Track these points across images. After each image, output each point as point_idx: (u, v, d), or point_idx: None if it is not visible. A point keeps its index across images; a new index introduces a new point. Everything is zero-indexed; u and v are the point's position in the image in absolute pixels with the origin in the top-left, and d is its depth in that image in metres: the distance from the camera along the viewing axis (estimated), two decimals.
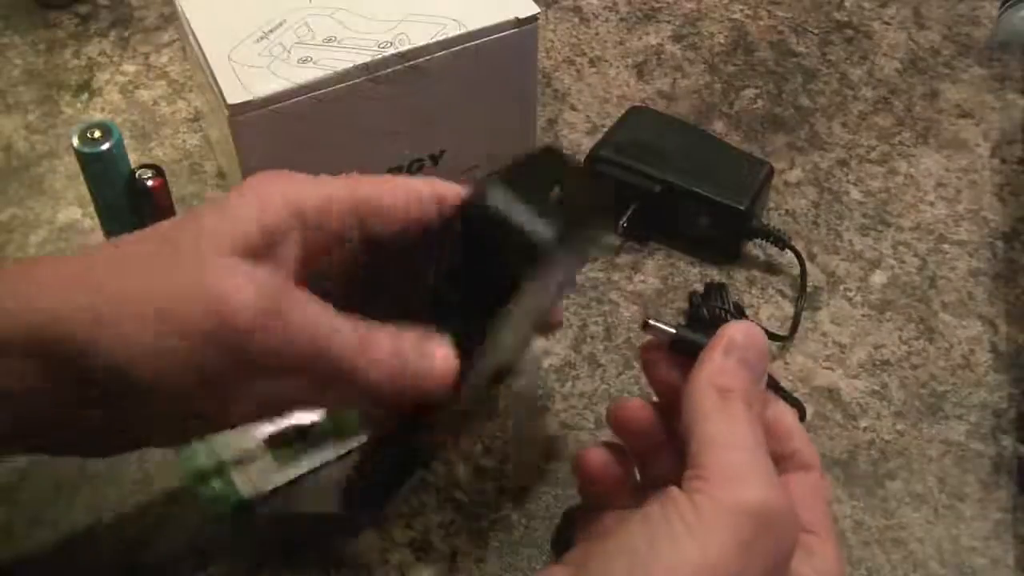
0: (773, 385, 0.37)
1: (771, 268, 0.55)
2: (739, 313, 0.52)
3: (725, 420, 0.34)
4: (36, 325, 0.33)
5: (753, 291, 0.54)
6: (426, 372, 0.37)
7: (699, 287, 0.53)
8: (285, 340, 0.34)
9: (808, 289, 0.53)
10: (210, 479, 0.45)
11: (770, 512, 0.32)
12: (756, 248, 0.55)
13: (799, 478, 0.37)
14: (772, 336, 0.51)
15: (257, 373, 0.35)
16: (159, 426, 0.36)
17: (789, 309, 0.53)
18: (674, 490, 0.33)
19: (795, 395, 0.38)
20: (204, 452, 0.46)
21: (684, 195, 0.54)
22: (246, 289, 0.34)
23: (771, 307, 0.53)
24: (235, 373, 0.35)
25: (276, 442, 0.46)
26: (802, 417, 0.38)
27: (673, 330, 0.38)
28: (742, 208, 0.53)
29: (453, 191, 0.39)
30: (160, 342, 0.33)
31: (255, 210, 0.36)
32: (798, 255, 0.53)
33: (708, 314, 0.51)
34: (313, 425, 0.47)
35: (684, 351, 0.37)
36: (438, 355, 0.37)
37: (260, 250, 0.36)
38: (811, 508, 0.36)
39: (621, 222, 0.54)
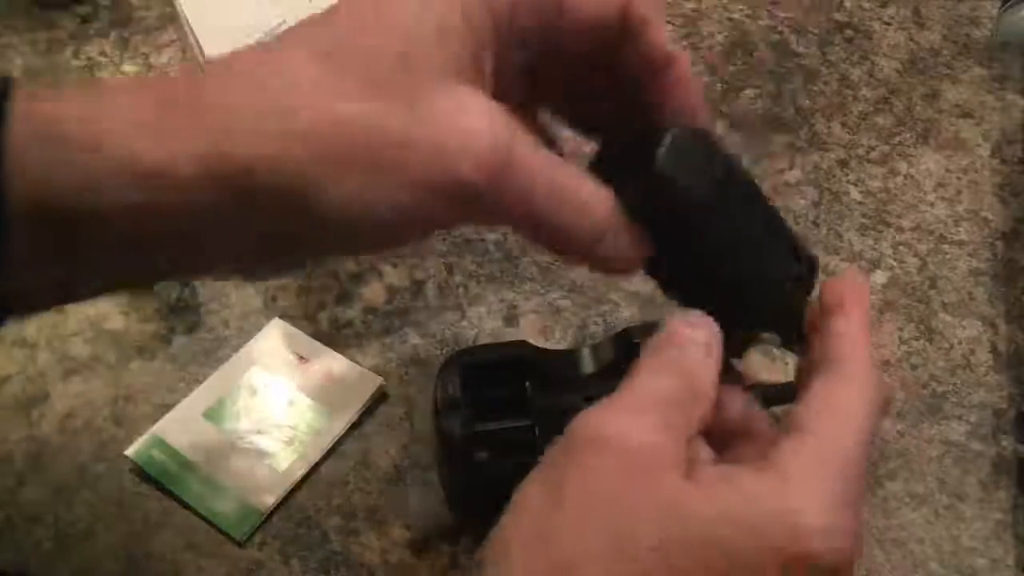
0: None
1: None
2: None
3: None
4: (233, 173, 0.27)
5: None
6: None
7: None
8: (511, 200, 0.29)
9: None
10: (221, 505, 0.45)
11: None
12: None
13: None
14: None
15: (467, 221, 0.32)
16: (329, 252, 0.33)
17: None
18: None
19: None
20: (195, 480, 0.45)
21: None
22: (480, 137, 0.28)
23: None
24: (447, 220, 0.31)
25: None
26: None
27: None
28: None
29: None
30: (377, 195, 0.28)
31: (456, 10, 0.29)
32: None
33: None
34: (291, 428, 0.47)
35: None
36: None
37: (469, 66, 0.29)
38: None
39: None
